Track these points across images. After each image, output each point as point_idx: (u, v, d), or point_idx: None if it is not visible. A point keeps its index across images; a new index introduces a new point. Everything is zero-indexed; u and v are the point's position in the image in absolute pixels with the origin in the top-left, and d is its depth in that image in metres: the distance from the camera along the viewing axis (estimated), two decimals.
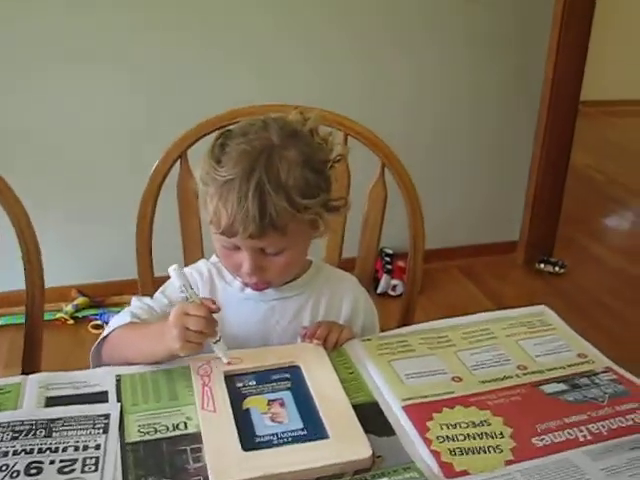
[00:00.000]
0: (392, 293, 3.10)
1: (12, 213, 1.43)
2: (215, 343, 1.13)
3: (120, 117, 2.88)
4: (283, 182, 1.13)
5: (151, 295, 1.40)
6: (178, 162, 1.54)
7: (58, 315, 2.90)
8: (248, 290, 1.30)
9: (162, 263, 1.55)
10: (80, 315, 2.94)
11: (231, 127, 1.24)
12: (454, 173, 3.38)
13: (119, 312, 2.67)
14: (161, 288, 1.37)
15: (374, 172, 1.57)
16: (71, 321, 2.92)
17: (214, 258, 1.38)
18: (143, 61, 2.83)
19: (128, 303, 2.86)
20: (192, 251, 1.56)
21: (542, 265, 3.48)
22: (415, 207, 1.55)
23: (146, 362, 1.16)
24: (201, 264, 1.38)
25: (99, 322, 2.90)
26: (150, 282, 1.57)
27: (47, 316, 2.74)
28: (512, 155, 3.43)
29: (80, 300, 2.95)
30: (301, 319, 1.31)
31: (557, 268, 3.45)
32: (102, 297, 2.99)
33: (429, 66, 3.14)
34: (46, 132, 2.82)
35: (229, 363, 1.13)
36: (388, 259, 3.25)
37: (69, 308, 2.91)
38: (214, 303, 1.14)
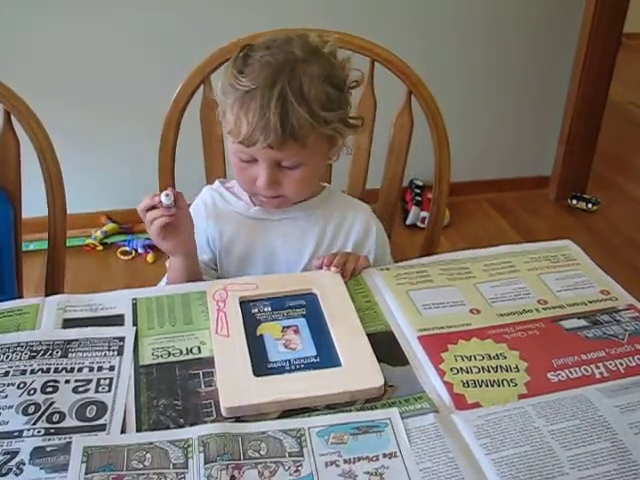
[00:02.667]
0: (421, 225, 3.08)
1: (35, 137, 1.42)
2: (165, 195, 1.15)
3: (145, 40, 2.84)
4: (305, 93, 1.13)
5: None
6: (201, 87, 1.52)
7: (87, 241, 2.92)
8: (253, 209, 1.30)
9: (185, 188, 1.55)
10: (109, 241, 2.97)
11: (251, 43, 1.22)
12: (487, 105, 3.31)
13: (146, 239, 2.71)
14: None
15: (401, 100, 1.53)
16: (100, 247, 2.95)
17: (216, 183, 1.39)
18: None
19: None
20: (215, 174, 1.55)
21: (574, 201, 3.43)
22: (441, 135, 1.52)
23: (180, 278, 1.24)
24: (204, 192, 1.38)
25: (127, 248, 2.92)
26: None
27: (76, 242, 2.78)
28: (548, 87, 3.35)
29: (109, 226, 2.97)
30: (307, 240, 1.31)
31: (590, 205, 3.39)
32: (131, 223, 3.00)
33: None
34: (71, 59, 2.80)
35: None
36: (418, 191, 3.22)
37: (98, 234, 2.94)
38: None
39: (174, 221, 1.16)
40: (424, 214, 3.08)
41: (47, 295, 1.29)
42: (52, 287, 1.50)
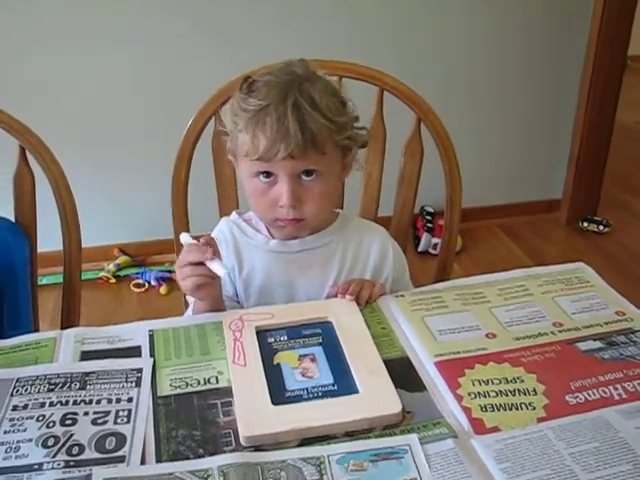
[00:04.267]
0: (433, 252, 3.08)
1: (50, 172, 1.44)
2: (210, 261, 1.14)
3: (156, 74, 2.87)
4: (317, 102, 1.16)
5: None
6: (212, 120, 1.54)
7: (100, 274, 2.94)
8: (273, 242, 1.31)
9: (198, 221, 1.57)
10: (122, 274, 2.98)
11: (251, 73, 1.26)
12: (495, 130, 3.32)
13: (159, 271, 2.72)
14: None
15: (410, 127, 1.55)
16: (113, 280, 2.96)
17: (234, 215, 1.40)
18: (179, 17, 2.81)
19: (169, 262, 2.91)
20: (227, 207, 1.56)
21: (586, 224, 3.43)
22: (452, 162, 1.53)
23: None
24: (222, 224, 1.38)
25: (140, 281, 2.94)
26: None
27: (90, 275, 2.79)
28: (555, 111, 3.36)
29: (122, 259, 2.99)
30: (328, 270, 1.31)
31: (601, 227, 3.39)
32: (143, 256, 3.03)
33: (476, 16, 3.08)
34: (85, 94, 2.83)
35: (227, 274, 1.17)
36: (429, 217, 3.23)
37: (111, 267, 2.95)
38: (208, 237, 1.18)
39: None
40: (435, 240, 3.09)
41: (63, 328, 1.30)
42: (67, 320, 1.51)
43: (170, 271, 2.93)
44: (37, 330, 1.48)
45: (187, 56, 2.85)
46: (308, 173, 1.19)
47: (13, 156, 1.46)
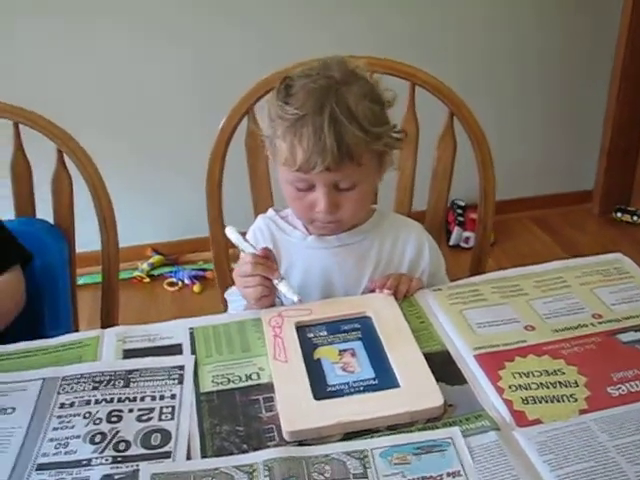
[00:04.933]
0: (464, 245, 3.08)
1: (87, 175, 1.46)
2: (278, 283, 1.16)
3: (189, 73, 2.89)
4: (354, 112, 1.15)
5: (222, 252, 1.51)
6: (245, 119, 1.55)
7: (134, 274, 2.96)
8: (310, 238, 1.31)
9: (233, 218, 1.57)
10: (155, 273, 3.00)
11: (289, 74, 1.24)
12: (527, 122, 3.30)
13: (192, 269, 2.74)
14: None
15: (443, 122, 1.55)
16: (147, 279, 2.98)
17: (270, 212, 1.40)
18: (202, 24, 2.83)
19: (202, 260, 2.93)
20: (262, 204, 1.57)
21: (619, 214, 3.40)
22: (486, 157, 1.53)
23: None
24: (259, 220, 1.40)
25: (174, 279, 2.96)
26: (222, 238, 1.58)
27: (124, 275, 2.81)
28: (586, 101, 3.33)
29: (155, 258, 3.01)
30: (364, 265, 1.31)
31: (635, 217, 3.36)
32: (176, 255, 3.05)
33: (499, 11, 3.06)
34: (117, 94, 2.86)
35: (299, 300, 1.15)
36: (460, 211, 3.22)
37: (145, 266, 2.97)
38: (266, 249, 1.19)
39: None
40: (467, 234, 3.08)
41: (103, 327, 1.32)
42: (107, 320, 1.53)
43: (204, 269, 2.95)
44: (77, 329, 1.51)
45: (221, 54, 2.86)
46: (345, 183, 1.20)
47: (52, 159, 1.48)
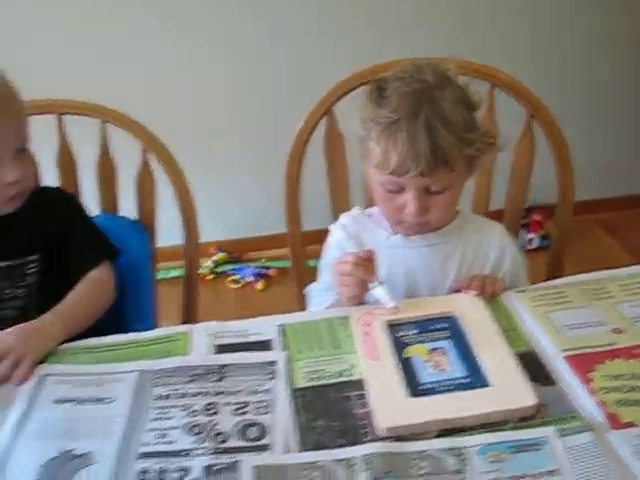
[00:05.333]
0: (528, 247, 3.06)
1: (170, 172, 1.50)
2: (375, 287, 1.17)
3: (263, 71, 2.92)
4: (448, 118, 1.17)
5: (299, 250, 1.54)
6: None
7: (198, 271, 2.99)
8: (395, 238, 1.33)
9: (309, 218, 1.60)
10: (219, 270, 3.03)
11: (382, 76, 1.26)
12: (593, 124, 3.26)
13: (256, 267, 2.77)
14: (321, 264, 1.44)
15: (521, 123, 1.55)
16: (210, 276, 3.02)
17: (355, 210, 1.42)
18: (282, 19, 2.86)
19: (265, 258, 2.95)
20: (339, 204, 1.58)
21: None
22: (565, 161, 1.54)
23: None
24: (344, 218, 1.41)
25: (237, 277, 2.99)
26: (299, 237, 1.61)
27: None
28: None
29: (219, 256, 3.04)
30: (449, 266, 1.32)
31: None
32: (239, 253, 3.08)
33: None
34: (190, 90, 2.90)
35: (395, 308, 1.16)
36: (523, 213, 3.19)
37: (209, 264, 3.01)
38: (369, 252, 1.20)
39: None
40: (530, 236, 3.06)
41: (183, 322, 1.35)
42: (188, 314, 1.56)
43: (267, 267, 2.98)
44: (157, 326, 1.54)
45: (297, 54, 2.88)
46: (436, 187, 1.21)
47: (136, 157, 1.52)
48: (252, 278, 2.96)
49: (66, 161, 1.54)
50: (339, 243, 1.30)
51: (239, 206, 3.07)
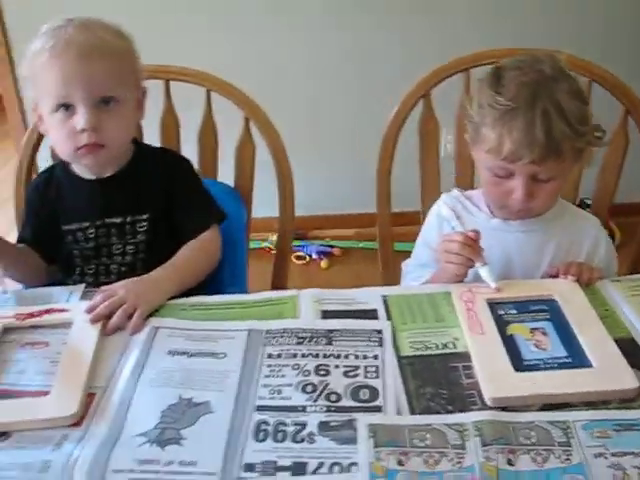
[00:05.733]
0: None
1: (270, 143, 1.55)
2: (481, 268, 1.21)
3: (360, 57, 2.99)
4: (564, 109, 1.20)
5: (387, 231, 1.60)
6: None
7: (263, 244, 3.05)
8: (495, 221, 1.37)
9: (397, 199, 1.64)
10: None
11: (500, 64, 1.30)
12: None
13: (320, 245, 2.80)
14: (418, 241, 1.48)
15: (616, 118, 1.57)
16: (274, 251, 3.06)
17: (455, 192, 1.46)
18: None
19: (330, 237, 2.99)
20: (429, 188, 1.62)
21: None
22: None
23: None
24: (444, 198, 1.45)
25: (301, 253, 3.04)
26: (388, 218, 1.65)
27: (253, 245, 2.90)
28: None
29: None
30: (544, 252, 1.36)
31: None
32: (305, 230, 3.13)
33: None
34: (296, 70, 3.00)
35: (497, 289, 1.20)
36: (588, 210, 3.19)
37: (274, 238, 3.06)
38: (476, 232, 1.23)
39: None
40: None
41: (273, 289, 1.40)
42: (277, 283, 1.61)
43: (331, 246, 3.03)
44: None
45: (393, 39, 2.95)
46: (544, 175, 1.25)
47: (238, 127, 1.57)
48: (316, 256, 3.01)
49: (169, 125, 1.60)
50: (447, 219, 1.34)
51: (307, 185, 3.11)
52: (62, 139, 1.30)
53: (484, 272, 1.22)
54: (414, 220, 1.63)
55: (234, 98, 1.55)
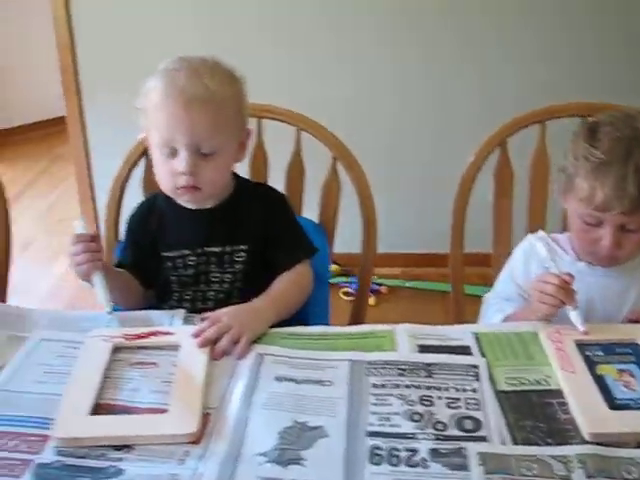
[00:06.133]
0: None
1: (357, 185, 1.64)
2: (573, 311, 1.28)
3: (454, 90, 3.12)
4: None
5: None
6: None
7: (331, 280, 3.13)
8: (580, 264, 1.45)
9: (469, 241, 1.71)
10: (332, 281, 3.15)
11: (595, 119, 1.40)
12: None
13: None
14: (503, 275, 1.55)
15: None
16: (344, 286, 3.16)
17: (541, 233, 1.54)
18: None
19: (377, 275, 3.05)
20: (501, 230, 1.70)
21: None
22: None
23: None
24: (531, 238, 1.52)
25: (349, 289, 3.11)
26: (460, 259, 1.73)
27: None
28: None
29: (333, 267, 3.16)
30: (626, 298, 1.44)
31: None
32: (351, 267, 3.20)
33: None
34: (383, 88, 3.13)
35: (585, 333, 1.26)
36: None
37: (331, 268, 3.13)
38: (571, 276, 1.29)
39: None
40: None
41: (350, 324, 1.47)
42: (357, 317, 1.68)
43: (379, 284, 3.10)
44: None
45: (472, 87, 3.09)
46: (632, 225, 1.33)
47: (324, 165, 1.66)
48: None
49: (259, 160, 1.69)
50: (542, 259, 1.40)
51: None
52: (164, 176, 1.40)
53: (574, 316, 1.28)
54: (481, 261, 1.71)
55: (324, 139, 1.63)
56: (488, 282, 1.62)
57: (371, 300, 3.04)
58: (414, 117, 3.15)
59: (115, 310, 1.38)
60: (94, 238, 1.36)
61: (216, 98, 1.34)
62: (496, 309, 1.49)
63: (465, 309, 1.73)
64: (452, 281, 1.74)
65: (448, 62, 3.05)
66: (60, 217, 3.91)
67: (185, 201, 1.44)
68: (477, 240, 1.79)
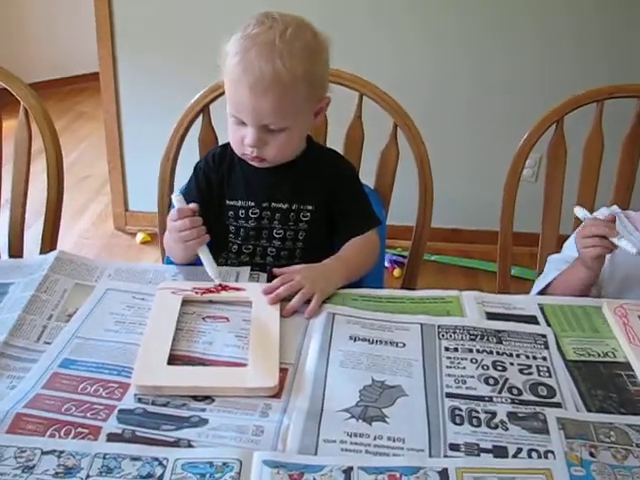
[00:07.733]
0: None
1: (417, 151, 1.66)
2: (619, 240, 1.33)
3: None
4: None
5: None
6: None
7: None
8: None
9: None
10: None
11: None
12: None
13: (393, 254, 2.92)
14: (569, 241, 1.56)
15: None
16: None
17: (615, 207, 1.57)
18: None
19: (401, 247, 3.07)
20: (552, 209, 1.73)
21: None
22: None
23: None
24: (604, 210, 1.54)
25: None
26: (510, 234, 1.76)
27: None
28: None
29: None
30: None
31: None
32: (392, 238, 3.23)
33: None
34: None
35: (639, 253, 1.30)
36: None
37: None
38: (613, 216, 1.38)
39: None
40: None
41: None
42: (409, 285, 1.71)
43: (402, 256, 3.13)
44: None
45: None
46: None
47: (386, 131, 1.68)
48: (389, 264, 3.11)
49: (319, 123, 1.67)
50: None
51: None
52: (234, 140, 1.42)
53: (624, 242, 1.31)
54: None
55: (385, 104, 1.65)
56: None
57: (396, 272, 3.07)
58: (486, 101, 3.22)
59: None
60: (195, 211, 1.36)
61: (284, 80, 1.29)
62: (554, 268, 1.51)
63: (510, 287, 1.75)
64: (499, 258, 1.77)
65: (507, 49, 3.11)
66: (83, 175, 3.92)
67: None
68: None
